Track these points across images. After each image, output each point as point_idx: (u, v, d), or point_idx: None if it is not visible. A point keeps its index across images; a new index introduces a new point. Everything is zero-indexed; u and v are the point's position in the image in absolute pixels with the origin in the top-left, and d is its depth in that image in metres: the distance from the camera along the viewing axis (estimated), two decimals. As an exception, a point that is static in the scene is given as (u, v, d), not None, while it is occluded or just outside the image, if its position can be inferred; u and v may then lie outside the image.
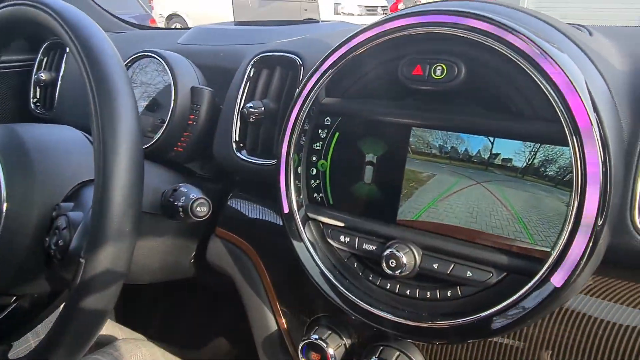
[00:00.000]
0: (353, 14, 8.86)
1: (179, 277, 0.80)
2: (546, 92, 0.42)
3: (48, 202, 0.57)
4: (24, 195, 0.56)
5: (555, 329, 0.51)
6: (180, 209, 0.59)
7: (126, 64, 0.82)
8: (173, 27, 10.78)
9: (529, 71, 0.43)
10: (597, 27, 0.70)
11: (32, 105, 1.05)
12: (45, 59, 1.08)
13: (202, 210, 0.59)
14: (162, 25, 10.29)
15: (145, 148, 0.73)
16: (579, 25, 0.65)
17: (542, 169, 0.45)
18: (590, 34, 0.59)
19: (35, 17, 0.52)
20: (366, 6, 9.08)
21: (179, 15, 10.64)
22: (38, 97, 1.05)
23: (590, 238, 0.41)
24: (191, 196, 0.59)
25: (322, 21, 0.96)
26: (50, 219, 0.56)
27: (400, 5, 10.38)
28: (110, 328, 0.84)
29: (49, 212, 0.56)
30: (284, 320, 0.66)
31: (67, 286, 0.57)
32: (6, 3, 0.56)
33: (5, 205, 0.55)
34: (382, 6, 9.40)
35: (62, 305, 0.65)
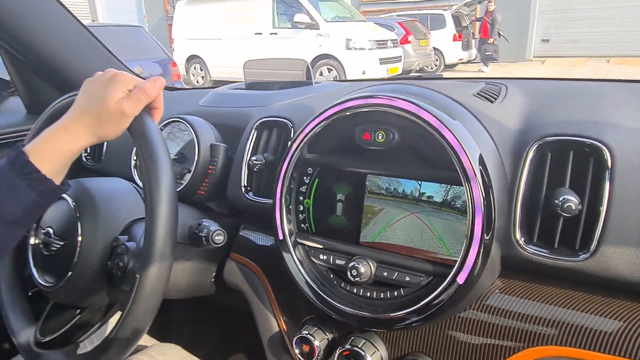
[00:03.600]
0: (364, 49, 9.18)
1: (201, 294, 1.00)
2: (449, 152, 0.63)
3: (109, 235, 0.78)
4: (92, 231, 0.77)
5: (477, 315, 0.68)
6: (203, 238, 0.80)
7: (162, 127, 1.05)
8: (192, 67, 11.28)
9: (437, 137, 0.63)
10: (522, 81, 0.92)
11: (83, 159, 1.29)
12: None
13: (220, 239, 0.80)
14: (182, 65, 10.80)
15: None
16: (502, 82, 0.86)
17: (453, 202, 0.65)
18: (505, 92, 0.80)
19: None
20: (377, 40, 9.40)
21: (197, 56, 11.18)
22: (88, 151, 1.29)
23: (479, 248, 0.60)
24: (211, 228, 0.80)
25: (315, 82, 1.18)
26: (111, 247, 0.78)
27: (410, 38, 10.73)
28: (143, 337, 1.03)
29: (110, 243, 0.78)
30: (283, 322, 0.86)
31: (122, 297, 0.78)
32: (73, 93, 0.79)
33: (80, 238, 0.76)
34: (392, 40, 9.72)
35: (114, 313, 0.86)
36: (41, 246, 0.81)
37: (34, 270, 0.83)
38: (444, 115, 0.64)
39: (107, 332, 0.72)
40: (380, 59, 9.21)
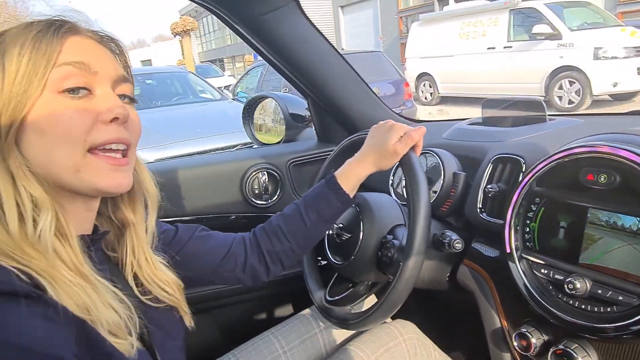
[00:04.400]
0: (617, 57, 8.10)
1: (436, 288, 1.27)
2: (667, 196, 0.75)
3: (381, 234, 1.12)
4: (370, 230, 1.13)
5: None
6: (446, 244, 1.07)
7: (417, 156, 1.36)
8: (422, 85, 11.73)
9: (657, 183, 0.76)
10: None
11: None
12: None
13: (459, 246, 1.06)
14: (413, 83, 11.37)
15: (424, 207, 1.25)
16: None
17: (669, 239, 0.76)
18: None
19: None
20: (635, 47, 8.16)
21: (427, 74, 11.59)
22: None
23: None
24: (453, 237, 1.06)
25: (549, 117, 1.33)
26: (381, 242, 1.12)
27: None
28: None
29: (381, 239, 1.12)
30: (504, 320, 1.06)
31: (387, 278, 1.11)
32: (360, 133, 1.15)
33: (361, 234, 1.13)
34: (657, 45, 8.29)
35: (375, 290, 1.20)
36: (335, 236, 1.21)
37: (328, 251, 1.24)
38: (665, 166, 0.76)
39: (365, 303, 1.05)
40: (638, 69, 7.97)
